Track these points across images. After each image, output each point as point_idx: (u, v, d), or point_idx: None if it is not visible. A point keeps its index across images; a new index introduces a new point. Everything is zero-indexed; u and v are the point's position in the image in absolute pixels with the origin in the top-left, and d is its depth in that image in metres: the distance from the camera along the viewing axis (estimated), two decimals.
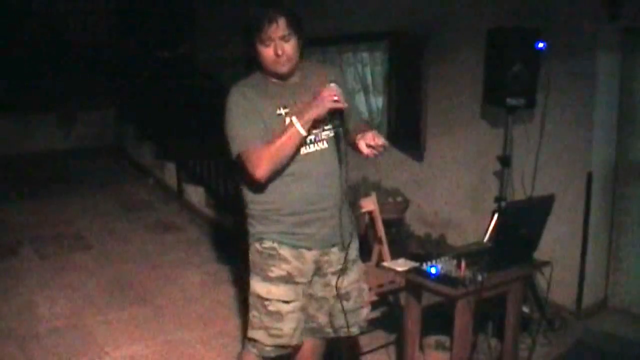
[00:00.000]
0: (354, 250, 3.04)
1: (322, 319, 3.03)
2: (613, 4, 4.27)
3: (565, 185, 4.56)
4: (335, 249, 2.92)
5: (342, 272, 2.92)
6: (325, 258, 2.92)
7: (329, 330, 3.06)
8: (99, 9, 9.25)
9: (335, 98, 2.68)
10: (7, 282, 4.74)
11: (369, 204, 4.34)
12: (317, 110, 2.70)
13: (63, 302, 4.51)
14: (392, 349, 4.11)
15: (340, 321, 3.01)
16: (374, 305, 4.13)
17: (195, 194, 6.58)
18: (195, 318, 4.41)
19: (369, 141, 2.77)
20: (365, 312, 3.15)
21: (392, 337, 4.20)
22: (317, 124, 2.77)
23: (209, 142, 6.04)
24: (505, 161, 4.59)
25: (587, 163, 4.54)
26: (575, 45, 4.49)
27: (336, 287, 2.90)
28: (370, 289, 4.00)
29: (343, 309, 2.94)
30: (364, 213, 4.38)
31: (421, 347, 3.64)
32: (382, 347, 4.12)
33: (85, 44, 9.00)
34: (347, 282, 2.99)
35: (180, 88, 7.03)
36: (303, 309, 2.93)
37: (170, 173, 7.05)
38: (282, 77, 2.82)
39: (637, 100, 4.60)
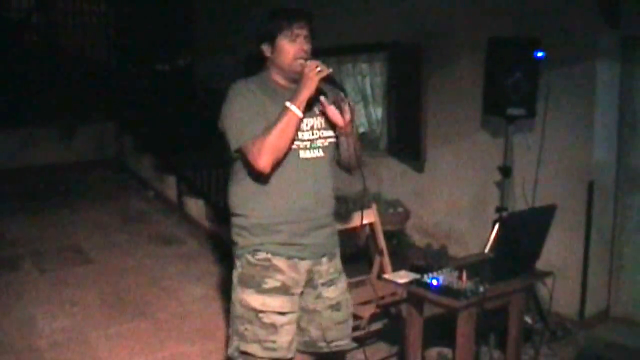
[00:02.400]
0: (339, 261, 3.03)
1: (314, 332, 2.96)
2: (612, 13, 4.29)
3: (566, 195, 4.55)
4: (325, 259, 2.90)
5: (332, 282, 2.93)
6: (317, 268, 2.88)
7: (322, 344, 2.99)
8: (99, 23, 9.27)
9: (319, 68, 2.67)
10: (7, 296, 4.72)
11: (369, 216, 4.33)
12: (307, 86, 2.68)
13: (63, 316, 4.48)
14: None
15: (332, 333, 2.96)
16: (376, 318, 4.12)
17: (195, 207, 6.57)
18: (195, 331, 4.39)
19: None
20: (351, 323, 3.09)
21: (394, 349, 4.17)
22: (314, 130, 2.79)
23: (208, 154, 6.04)
24: (505, 171, 4.59)
25: (588, 172, 4.53)
26: (575, 54, 4.50)
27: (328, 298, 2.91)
28: (371, 301, 4.00)
29: (345, 318, 2.95)
30: (365, 225, 4.37)
31: (423, 359, 3.62)
32: (384, 359, 4.10)
33: (85, 57, 9.02)
34: (337, 292, 2.96)
35: (179, 100, 7.05)
36: (297, 320, 2.88)
37: (170, 186, 7.04)
38: (292, 79, 2.79)
39: (637, 108, 4.60)
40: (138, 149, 7.93)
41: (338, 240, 3.03)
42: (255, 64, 2.87)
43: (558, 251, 4.41)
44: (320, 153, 2.82)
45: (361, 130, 6.82)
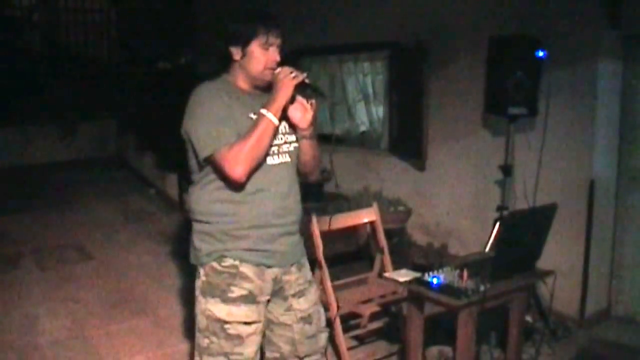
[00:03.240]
0: (308, 270, 2.92)
1: (285, 347, 2.84)
2: (613, 13, 4.28)
3: (567, 194, 4.55)
4: (294, 268, 2.80)
5: (302, 293, 2.83)
6: (286, 278, 2.77)
7: None
8: (100, 21, 9.29)
9: (293, 74, 2.60)
10: (8, 294, 4.73)
11: (370, 214, 4.34)
12: (283, 92, 2.59)
13: (64, 314, 4.49)
14: None
15: (304, 347, 2.84)
16: (377, 316, 4.13)
17: None
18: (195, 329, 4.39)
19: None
20: (324, 337, 2.95)
21: (395, 348, 4.18)
22: (280, 135, 2.69)
23: None
24: (507, 170, 4.59)
25: (589, 171, 4.53)
26: (576, 53, 4.49)
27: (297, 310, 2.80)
28: (372, 300, 4.01)
29: (317, 331, 2.86)
30: (366, 223, 4.38)
31: (424, 358, 3.63)
32: (384, 358, 4.11)
33: (86, 55, 9.03)
34: (308, 303, 2.85)
35: (181, 99, 7.04)
36: (262, 330, 2.75)
37: (171, 183, 7.05)
38: (257, 86, 2.69)
39: (638, 107, 4.60)
40: (139, 146, 7.94)
41: (304, 249, 2.92)
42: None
43: (559, 250, 4.40)
44: (287, 158, 2.73)
45: (362, 128, 6.83)
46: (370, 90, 6.61)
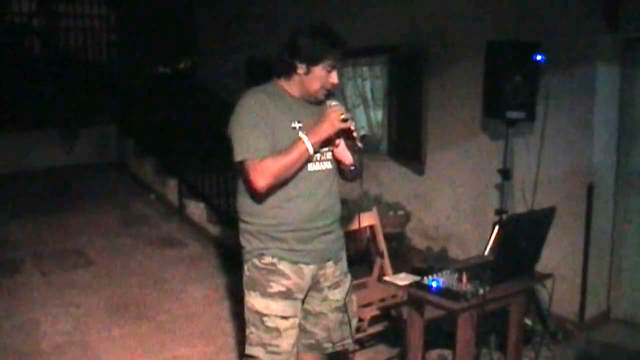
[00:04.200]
0: (345, 263, 3.07)
1: (320, 334, 3.02)
2: (611, 16, 4.29)
3: (566, 197, 4.57)
4: (330, 263, 2.95)
5: (337, 285, 2.98)
6: (322, 272, 2.92)
7: (328, 345, 3.05)
8: (100, 26, 9.30)
9: (343, 116, 2.74)
10: (9, 299, 4.74)
11: (370, 218, 4.35)
12: (328, 130, 2.74)
13: (65, 319, 4.50)
14: None
15: (337, 334, 3.03)
16: (377, 320, 4.13)
17: (197, 210, 6.58)
18: (197, 334, 4.40)
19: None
20: (355, 323, 3.15)
21: (395, 352, 4.18)
22: (324, 143, 2.81)
23: (210, 157, 6.05)
24: (505, 174, 4.60)
25: (588, 174, 4.54)
26: (574, 57, 4.51)
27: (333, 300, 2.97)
28: (372, 304, 4.02)
29: (349, 319, 3.01)
30: (365, 227, 4.38)
31: None
32: None
33: (86, 60, 9.04)
34: (342, 293, 3.01)
35: (181, 103, 7.06)
36: (298, 325, 2.91)
37: (171, 189, 7.05)
38: (307, 99, 2.81)
39: (636, 111, 4.61)
40: (140, 152, 7.95)
41: (344, 242, 3.07)
42: (261, 69, 2.86)
43: (558, 253, 4.42)
44: (328, 165, 2.88)
45: (362, 132, 6.84)
46: (369, 95, 6.62)
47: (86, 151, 8.29)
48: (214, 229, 6.27)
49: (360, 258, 4.97)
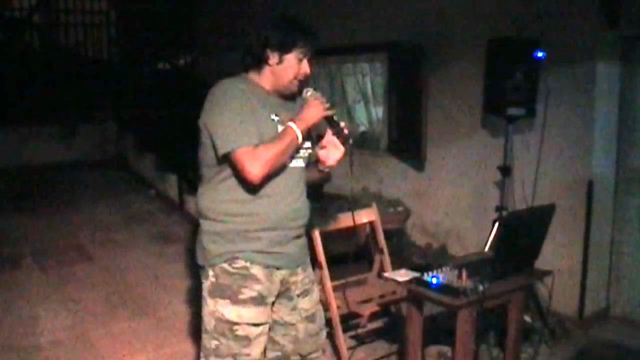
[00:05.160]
0: (311, 271, 3.00)
1: (288, 346, 2.90)
2: (612, 13, 4.29)
3: (565, 194, 4.57)
4: (299, 269, 2.85)
5: (307, 293, 2.89)
6: (293, 279, 2.82)
7: (296, 358, 2.93)
8: (100, 22, 9.29)
9: (327, 105, 2.71)
10: (8, 294, 4.74)
11: (369, 215, 4.35)
12: (314, 117, 2.69)
13: (64, 314, 4.50)
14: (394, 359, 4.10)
15: (307, 347, 2.92)
16: (376, 316, 4.14)
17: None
18: (196, 329, 4.38)
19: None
20: (324, 335, 3.04)
21: (394, 348, 4.19)
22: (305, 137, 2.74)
23: None
24: (505, 171, 4.60)
25: (588, 172, 4.54)
26: (575, 54, 4.50)
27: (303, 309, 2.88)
28: (372, 300, 4.02)
29: (319, 329, 2.95)
30: (365, 223, 4.39)
31: (423, 358, 3.64)
32: (384, 357, 4.11)
33: (86, 56, 9.04)
34: (311, 303, 2.92)
35: (181, 99, 7.06)
36: (267, 332, 2.78)
37: (171, 184, 7.06)
38: (280, 92, 2.74)
39: (637, 108, 4.61)
40: (139, 147, 7.95)
41: (308, 250, 2.97)
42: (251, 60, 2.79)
43: (557, 250, 4.42)
44: (301, 163, 2.80)
45: (361, 129, 6.84)
46: (369, 91, 6.62)
47: (86, 147, 8.28)
48: None
49: (360, 254, 4.98)
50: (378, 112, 6.56)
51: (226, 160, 2.59)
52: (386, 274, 3.59)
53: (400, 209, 5.85)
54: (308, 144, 2.81)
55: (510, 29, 4.67)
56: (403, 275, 3.33)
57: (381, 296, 4.06)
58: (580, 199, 4.55)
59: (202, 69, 8.80)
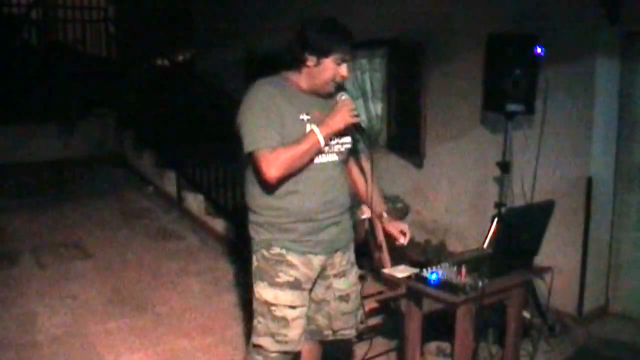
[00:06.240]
0: (352, 254, 3.11)
1: (321, 321, 3.07)
2: (611, 9, 4.28)
3: (565, 191, 4.56)
4: (338, 253, 2.99)
5: (343, 274, 3.02)
6: (330, 261, 2.96)
7: (328, 332, 3.10)
8: (98, 18, 9.27)
9: (355, 113, 2.79)
10: (6, 291, 4.73)
11: (369, 211, 4.34)
12: (339, 123, 2.76)
13: (63, 311, 4.49)
14: (393, 356, 4.10)
15: (339, 323, 3.08)
16: (375, 312, 4.13)
17: (195, 202, 6.57)
18: (195, 326, 4.40)
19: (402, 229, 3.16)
20: (360, 314, 3.20)
21: (393, 344, 4.18)
22: (334, 136, 2.81)
23: (208, 150, 6.04)
24: (504, 167, 4.60)
25: (587, 168, 4.54)
26: (574, 50, 4.50)
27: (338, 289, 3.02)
28: (371, 296, 4.01)
29: (354, 309, 3.08)
30: (364, 220, 4.38)
31: (422, 354, 3.63)
32: (383, 353, 4.11)
33: (84, 52, 9.02)
34: (347, 284, 3.05)
35: (179, 96, 7.04)
36: (306, 315, 2.94)
37: (170, 181, 7.05)
38: (316, 91, 2.82)
39: (636, 104, 4.60)
40: (138, 144, 7.93)
41: (352, 233, 3.11)
42: (260, 62, 2.85)
43: (557, 247, 4.41)
44: (335, 157, 2.88)
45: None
46: (368, 88, 6.60)
47: (84, 143, 8.26)
48: (212, 222, 6.27)
49: (358, 251, 4.97)
50: (377, 108, 6.54)
51: (249, 158, 2.76)
52: (385, 271, 3.58)
53: (399, 205, 5.84)
54: (346, 139, 2.92)
55: (510, 25, 4.66)
56: (402, 271, 3.32)
57: (380, 293, 4.06)
58: (579, 195, 4.55)
59: (201, 65, 8.78)
